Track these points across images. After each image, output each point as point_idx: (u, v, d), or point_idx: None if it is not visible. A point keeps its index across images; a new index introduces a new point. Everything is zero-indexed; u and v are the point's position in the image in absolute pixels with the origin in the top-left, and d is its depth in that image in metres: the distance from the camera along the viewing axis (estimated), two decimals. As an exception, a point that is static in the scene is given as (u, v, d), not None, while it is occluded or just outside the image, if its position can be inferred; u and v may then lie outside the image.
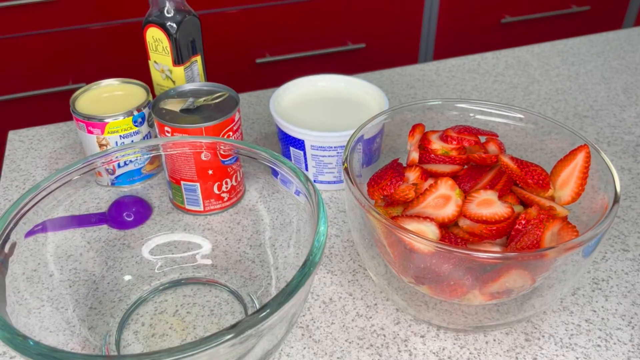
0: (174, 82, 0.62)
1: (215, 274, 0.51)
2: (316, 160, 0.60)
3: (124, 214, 0.53)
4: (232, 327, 0.32)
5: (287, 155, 0.62)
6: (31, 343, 0.32)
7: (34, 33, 1.25)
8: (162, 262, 0.51)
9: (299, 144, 0.59)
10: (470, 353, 0.45)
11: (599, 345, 0.46)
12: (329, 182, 0.62)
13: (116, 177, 0.59)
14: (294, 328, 0.47)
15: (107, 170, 0.57)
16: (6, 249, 0.39)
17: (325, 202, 0.61)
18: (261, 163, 0.46)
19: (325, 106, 0.64)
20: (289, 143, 0.61)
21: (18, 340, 0.32)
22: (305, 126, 0.59)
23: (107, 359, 0.31)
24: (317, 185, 0.62)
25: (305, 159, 0.60)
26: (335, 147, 0.58)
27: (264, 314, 0.33)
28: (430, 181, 0.46)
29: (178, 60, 0.61)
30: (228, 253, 0.52)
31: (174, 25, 0.59)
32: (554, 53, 0.92)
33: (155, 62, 0.62)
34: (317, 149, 0.59)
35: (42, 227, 0.44)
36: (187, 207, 0.57)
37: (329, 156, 0.59)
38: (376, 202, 0.48)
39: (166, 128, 0.54)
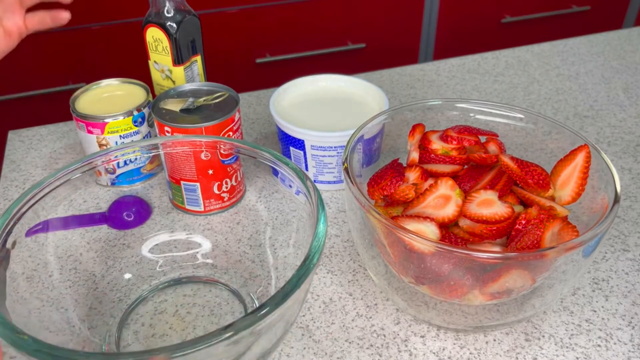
0: (174, 82, 0.62)
1: (215, 273, 0.51)
2: (316, 160, 0.60)
3: (124, 214, 0.53)
4: (229, 326, 0.32)
5: (287, 155, 0.62)
6: (29, 340, 0.32)
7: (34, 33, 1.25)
8: (162, 261, 0.51)
9: (299, 144, 0.59)
10: (470, 353, 0.45)
11: (599, 345, 0.45)
12: (329, 182, 0.62)
13: (116, 177, 0.59)
14: (294, 328, 0.47)
15: (107, 169, 0.57)
16: (8, 244, 0.39)
17: (325, 202, 0.61)
18: (261, 163, 0.46)
19: (325, 106, 0.64)
20: (289, 143, 0.61)
21: (16, 337, 0.32)
22: (305, 126, 0.59)
23: (105, 356, 0.31)
24: (317, 186, 0.62)
25: (305, 159, 0.60)
26: (335, 147, 0.58)
27: (260, 313, 0.33)
28: (430, 181, 0.46)
29: (178, 60, 0.61)
30: (228, 253, 0.52)
31: (174, 25, 0.59)
32: (554, 53, 0.91)
33: (155, 62, 0.62)
34: (317, 149, 0.59)
35: (43, 227, 0.44)
36: (187, 207, 0.57)
37: (329, 156, 0.59)
38: (376, 202, 0.48)
39: (166, 128, 0.54)
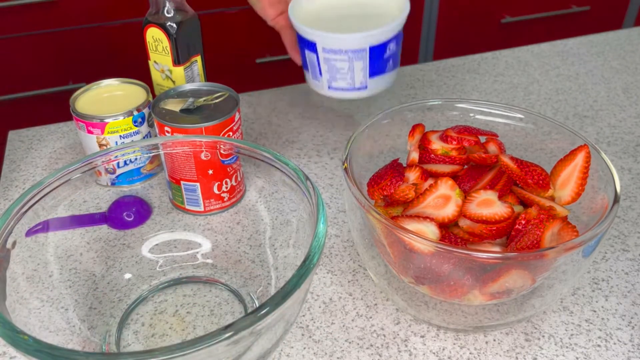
0: (174, 82, 0.62)
1: (215, 273, 0.51)
2: (329, 64, 0.59)
3: (124, 214, 0.53)
4: (229, 326, 0.32)
5: (304, 61, 0.61)
6: (30, 340, 0.32)
7: (34, 33, 1.25)
8: (163, 261, 0.51)
9: (312, 46, 0.59)
10: (470, 353, 0.45)
11: (599, 345, 0.46)
12: (342, 89, 0.60)
13: (116, 177, 0.59)
14: (294, 328, 0.47)
15: (107, 169, 0.57)
16: (8, 244, 0.40)
17: (325, 202, 0.61)
18: (261, 163, 0.46)
19: (343, 15, 0.63)
20: (304, 46, 0.60)
21: (16, 337, 0.32)
22: (319, 29, 0.58)
23: (105, 357, 0.31)
24: (332, 93, 0.61)
25: (319, 62, 0.60)
26: (346, 51, 0.57)
27: (260, 313, 0.33)
28: (430, 181, 0.46)
29: (178, 60, 0.61)
30: (228, 253, 0.52)
31: (174, 25, 0.59)
32: (554, 53, 0.92)
33: (155, 62, 0.62)
34: (329, 52, 0.58)
35: (43, 227, 0.44)
36: (187, 207, 0.57)
37: (341, 60, 0.58)
38: (376, 202, 0.48)
39: (166, 128, 0.54)
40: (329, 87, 0.60)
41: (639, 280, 0.51)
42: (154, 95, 0.65)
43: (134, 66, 1.25)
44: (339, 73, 0.59)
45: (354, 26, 0.61)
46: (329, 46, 0.58)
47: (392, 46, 0.57)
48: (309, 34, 0.58)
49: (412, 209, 0.44)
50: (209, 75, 0.68)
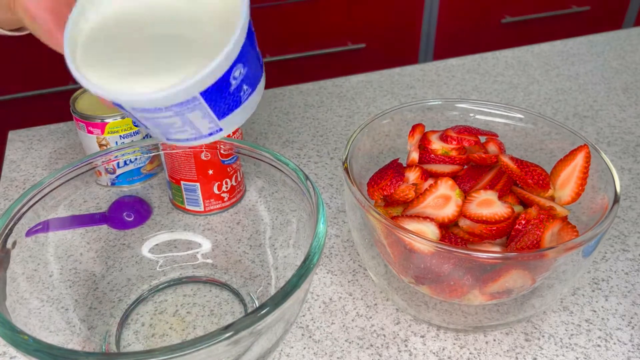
0: (174, 82, 0.62)
1: (215, 273, 0.51)
2: (152, 122, 0.38)
3: (124, 214, 0.53)
4: (229, 326, 0.32)
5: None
6: (30, 340, 0.32)
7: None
8: (162, 261, 0.51)
9: (117, 104, 0.37)
10: (470, 353, 0.45)
11: (599, 345, 0.46)
12: (188, 140, 0.40)
13: (116, 177, 0.59)
14: (294, 328, 0.47)
15: (107, 169, 0.57)
16: (8, 244, 0.40)
17: (325, 202, 0.61)
18: (261, 163, 0.46)
19: (151, 40, 0.37)
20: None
21: (16, 337, 0.32)
22: (111, 79, 0.35)
23: (105, 356, 0.31)
24: (177, 143, 0.41)
25: (139, 120, 0.38)
26: (168, 107, 0.35)
27: (260, 314, 0.33)
28: (430, 181, 0.46)
29: (178, 60, 0.61)
30: (228, 253, 0.52)
31: (174, 25, 0.59)
32: (554, 53, 0.92)
33: (155, 62, 0.62)
34: (144, 111, 0.36)
35: (43, 227, 0.44)
36: (187, 207, 0.57)
37: (166, 117, 0.37)
38: (376, 202, 0.48)
39: (166, 128, 0.54)
40: (167, 139, 0.41)
41: (639, 280, 0.51)
42: (154, 95, 0.65)
43: (134, 66, 1.25)
44: (172, 128, 0.39)
45: (166, 56, 0.36)
46: (139, 106, 0.36)
47: (237, 72, 0.36)
48: (103, 91, 0.35)
49: (412, 209, 0.44)
50: (209, 75, 0.68)
